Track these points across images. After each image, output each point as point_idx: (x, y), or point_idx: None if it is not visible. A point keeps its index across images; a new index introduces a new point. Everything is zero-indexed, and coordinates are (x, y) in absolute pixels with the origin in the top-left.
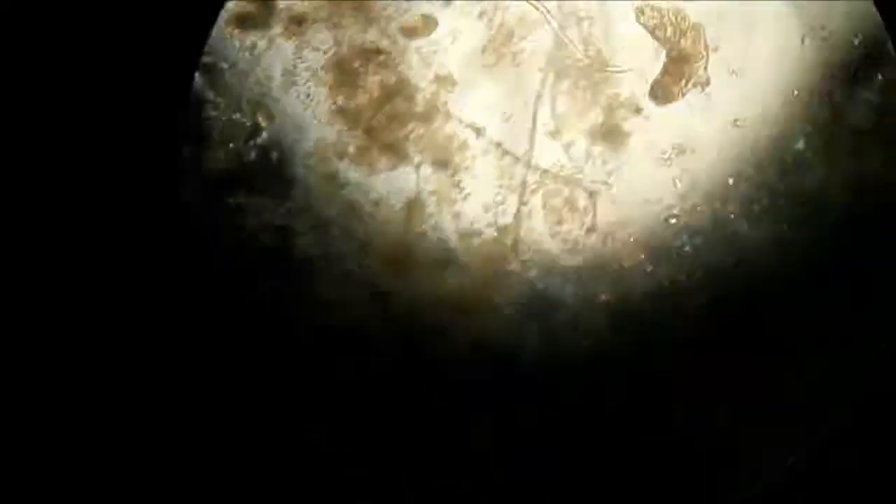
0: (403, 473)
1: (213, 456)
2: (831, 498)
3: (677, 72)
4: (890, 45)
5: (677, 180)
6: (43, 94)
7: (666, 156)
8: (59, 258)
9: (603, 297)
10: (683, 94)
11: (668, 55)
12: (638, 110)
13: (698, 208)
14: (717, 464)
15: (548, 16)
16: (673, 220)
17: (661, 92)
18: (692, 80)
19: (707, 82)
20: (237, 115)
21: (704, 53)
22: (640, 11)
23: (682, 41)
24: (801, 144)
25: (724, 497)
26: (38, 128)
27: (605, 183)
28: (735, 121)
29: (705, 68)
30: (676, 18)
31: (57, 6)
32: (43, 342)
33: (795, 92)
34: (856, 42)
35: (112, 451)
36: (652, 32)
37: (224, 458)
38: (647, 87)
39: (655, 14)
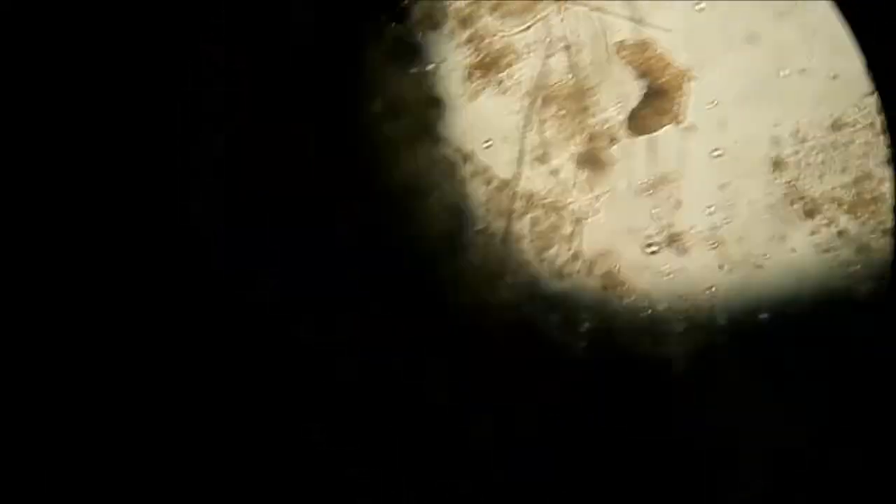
0: (403, 473)
1: (213, 456)
2: (832, 498)
3: (656, 105)
4: (869, 80)
5: (659, 209)
6: (47, 97)
7: (647, 185)
8: (62, 258)
9: (586, 323)
10: (661, 127)
11: (647, 88)
12: (616, 139)
13: (679, 237)
14: (717, 464)
15: (534, 43)
16: (654, 248)
17: (638, 124)
18: (670, 113)
19: (686, 114)
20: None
21: (684, 86)
22: (621, 47)
23: (662, 75)
24: (780, 175)
25: (724, 497)
26: (43, 130)
27: (592, 209)
28: (713, 151)
29: (684, 100)
30: (655, 53)
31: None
32: (46, 342)
33: (775, 125)
34: (832, 77)
35: (112, 451)
36: (632, 66)
37: (224, 458)
38: (626, 118)
39: (636, 49)
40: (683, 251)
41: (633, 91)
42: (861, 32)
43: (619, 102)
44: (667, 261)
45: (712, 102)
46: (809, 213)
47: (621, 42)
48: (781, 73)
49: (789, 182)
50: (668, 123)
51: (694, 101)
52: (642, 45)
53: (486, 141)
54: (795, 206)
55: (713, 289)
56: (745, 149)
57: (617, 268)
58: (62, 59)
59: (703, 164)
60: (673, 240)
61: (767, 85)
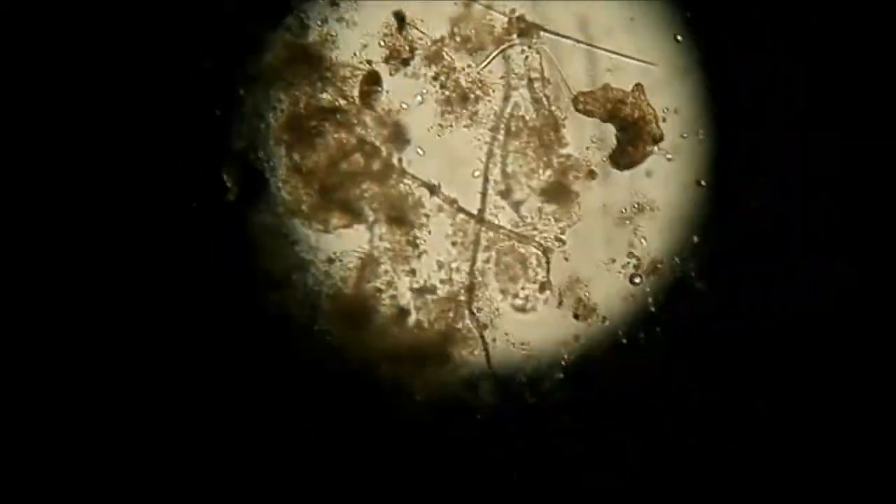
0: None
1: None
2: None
3: (633, 137)
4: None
5: (636, 238)
6: (45, 98)
7: (624, 215)
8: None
9: (558, 353)
10: (638, 157)
11: (623, 120)
12: (591, 171)
13: (658, 266)
14: None
15: (499, 78)
16: (636, 279)
17: (614, 156)
18: (648, 145)
19: (664, 145)
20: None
21: (657, 117)
22: (576, 101)
23: (640, 107)
24: (760, 202)
25: None
26: (42, 131)
27: (559, 241)
28: (697, 181)
29: (661, 132)
30: (634, 85)
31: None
32: (44, 339)
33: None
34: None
35: (111, 452)
36: (609, 99)
37: (223, 458)
38: (601, 150)
39: (590, 100)
40: (663, 279)
41: (609, 123)
42: None
43: (592, 134)
44: (647, 289)
45: (691, 133)
46: (776, 246)
47: (575, 100)
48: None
49: (760, 214)
50: (647, 155)
51: (674, 132)
52: (596, 97)
53: (452, 175)
54: (765, 239)
55: (693, 315)
56: (723, 179)
57: (588, 296)
58: (61, 61)
59: (685, 193)
60: (652, 269)
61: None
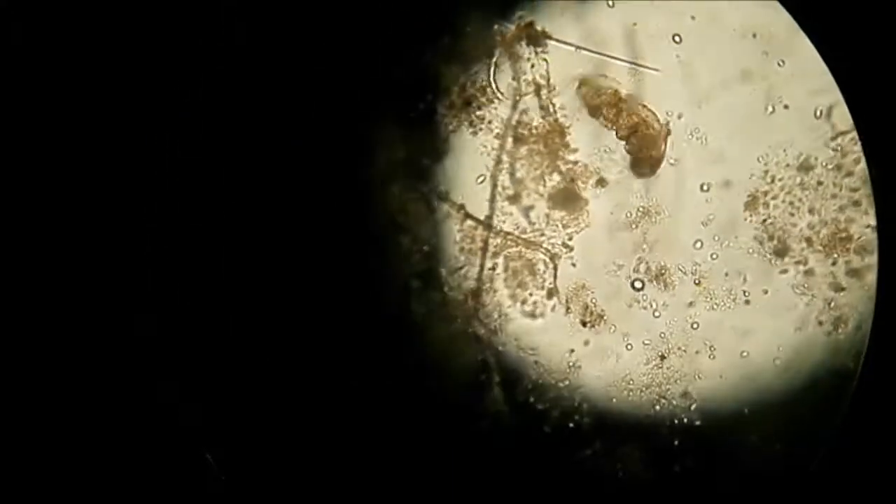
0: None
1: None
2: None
3: (637, 142)
4: (849, 115)
5: (641, 245)
6: (42, 102)
7: (629, 220)
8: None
9: (565, 360)
10: (642, 163)
11: (628, 126)
12: (597, 174)
13: (664, 273)
14: None
15: (500, 90)
16: (637, 284)
17: (648, 170)
18: (651, 150)
19: (670, 151)
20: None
21: (667, 124)
22: (598, 86)
23: (644, 113)
24: (766, 208)
25: None
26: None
27: (566, 246)
28: (701, 186)
29: (667, 138)
30: (637, 91)
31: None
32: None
33: (759, 158)
34: (817, 113)
35: (105, 452)
36: (611, 105)
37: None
38: (606, 155)
39: (592, 91)
40: (668, 286)
41: (612, 129)
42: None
43: (597, 140)
44: (651, 296)
45: (696, 139)
46: (782, 252)
47: (599, 81)
48: (767, 111)
49: (766, 220)
50: (650, 161)
51: (678, 138)
52: (625, 85)
53: (461, 181)
54: (771, 245)
55: (696, 325)
56: (729, 185)
57: (595, 303)
58: (57, 65)
59: (690, 198)
60: (658, 275)
61: (752, 122)
